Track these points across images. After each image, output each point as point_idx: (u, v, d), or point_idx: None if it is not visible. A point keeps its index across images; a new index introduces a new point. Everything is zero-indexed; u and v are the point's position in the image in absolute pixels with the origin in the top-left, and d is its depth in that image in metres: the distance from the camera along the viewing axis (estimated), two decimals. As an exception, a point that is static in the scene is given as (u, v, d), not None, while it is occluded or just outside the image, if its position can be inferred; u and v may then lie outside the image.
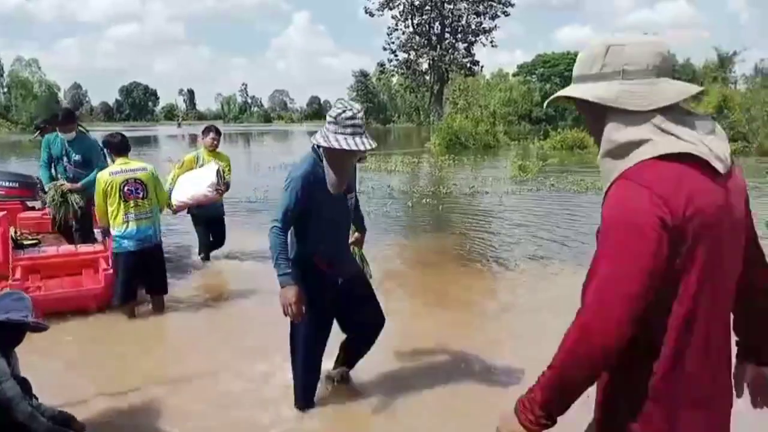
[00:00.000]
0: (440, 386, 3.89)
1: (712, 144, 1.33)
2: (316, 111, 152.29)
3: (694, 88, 1.39)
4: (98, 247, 5.84)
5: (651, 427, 1.41)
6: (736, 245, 1.44)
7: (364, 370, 3.93)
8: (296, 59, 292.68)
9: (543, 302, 5.64)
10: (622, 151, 1.36)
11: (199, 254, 7.16)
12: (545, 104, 1.71)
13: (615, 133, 1.37)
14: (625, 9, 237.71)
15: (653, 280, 1.28)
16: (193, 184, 6.37)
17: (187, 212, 6.84)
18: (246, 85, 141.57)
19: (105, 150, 5.61)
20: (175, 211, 6.56)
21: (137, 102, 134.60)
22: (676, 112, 1.36)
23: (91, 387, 3.82)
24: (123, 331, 4.97)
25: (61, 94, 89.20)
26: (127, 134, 5.76)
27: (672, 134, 1.32)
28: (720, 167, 1.33)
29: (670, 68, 1.39)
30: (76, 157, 6.15)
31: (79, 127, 6.35)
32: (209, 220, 6.98)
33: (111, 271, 5.26)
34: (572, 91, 1.47)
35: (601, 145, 1.42)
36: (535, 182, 15.32)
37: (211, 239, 7.14)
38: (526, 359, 4.34)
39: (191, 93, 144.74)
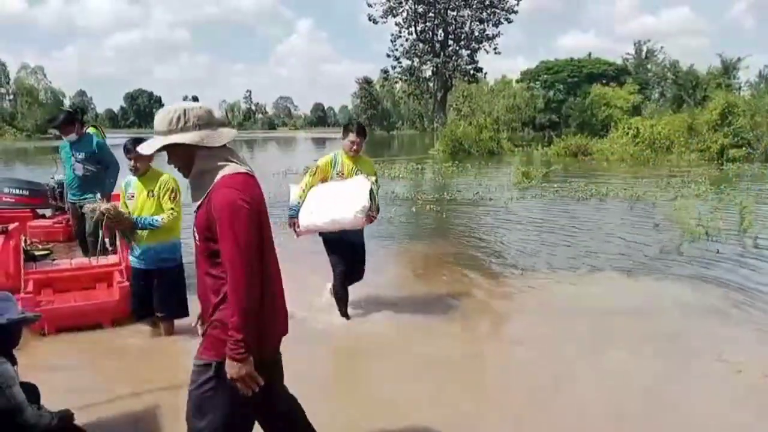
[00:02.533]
0: (428, 382, 3.94)
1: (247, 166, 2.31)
2: (321, 118, 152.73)
3: (234, 133, 2.36)
4: (112, 259, 5.66)
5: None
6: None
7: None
8: (300, 66, 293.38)
9: (538, 307, 5.70)
10: (212, 171, 2.22)
11: (332, 291, 5.39)
12: (148, 151, 2.33)
13: (206, 162, 2.25)
14: (628, 15, 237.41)
15: (257, 240, 2.19)
16: (333, 204, 4.80)
17: (319, 234, 5.21)
18: (250, 91, 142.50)
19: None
20: (298, 234, 5.16)
21: (142, 109, 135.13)
22: (229, 148, 2.31)
23: (90, 394, 3.87)
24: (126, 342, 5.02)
25: (66, 102, 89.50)
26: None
27: (233, 161, 2.26)
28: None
29: (222, 121, 2.35)
30: (80, 156, 6.13)
31: (92, 127, 6.40)
32: (349, 247, 5.23)
33: (126, 284, 5.09)
34: (174, 139, 2.23)
35: (193, 170, 2.28)
36: (539, 189, 15.36)
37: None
38: (515, 361, 4.41)
39: (195, 100, 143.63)
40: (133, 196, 4.66)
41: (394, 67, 59.83)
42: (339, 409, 3.73)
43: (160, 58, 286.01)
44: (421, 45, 57.72)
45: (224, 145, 2.30)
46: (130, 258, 4.82)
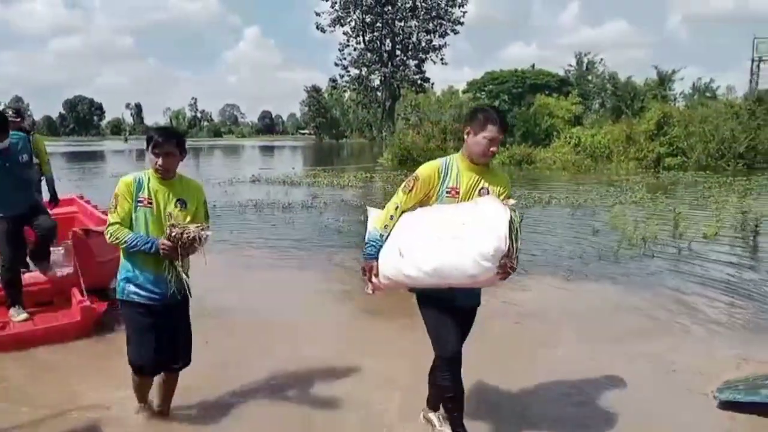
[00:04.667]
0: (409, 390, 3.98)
1: None
2: (268, 126, 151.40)
3: None
4: (67, 272, 5.43)
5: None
6: None
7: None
8: (247, 73, 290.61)
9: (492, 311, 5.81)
10: None
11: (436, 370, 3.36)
12: None
13: None
14: (569, 28, 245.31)
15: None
16: (441, 242, 2.87)
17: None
18: (196, 99, 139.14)
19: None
20: (375, 288, 3.17)
21: (82, 116, 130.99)
22: None
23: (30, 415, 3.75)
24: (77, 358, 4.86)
25: (0, 108, 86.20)
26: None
27: None
28: None
29: None
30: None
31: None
32: (460, 314, 3.16)
33: (87, 303, 4.91)
34: None
35: None
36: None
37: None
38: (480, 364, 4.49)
39: (139, 107, 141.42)
40: (150, 203, 3.25)
41: (342, 76, 59.93)
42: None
43: (102, 64, 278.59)
44: (369, 54, 58.04)
45: None
46: (138, 291, 3.28)
